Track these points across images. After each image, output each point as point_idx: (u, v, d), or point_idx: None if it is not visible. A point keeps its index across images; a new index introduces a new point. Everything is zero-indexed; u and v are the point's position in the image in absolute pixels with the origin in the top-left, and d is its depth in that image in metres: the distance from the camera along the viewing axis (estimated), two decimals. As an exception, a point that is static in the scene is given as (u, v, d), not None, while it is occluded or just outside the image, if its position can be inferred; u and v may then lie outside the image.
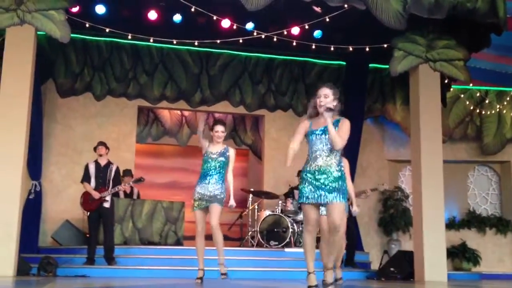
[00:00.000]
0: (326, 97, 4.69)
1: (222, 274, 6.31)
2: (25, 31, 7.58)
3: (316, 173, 4.64)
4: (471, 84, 10.38)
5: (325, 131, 4.67)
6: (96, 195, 8.04)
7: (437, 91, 8.61)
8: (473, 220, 11.65)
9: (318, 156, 4.67)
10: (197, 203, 6.34)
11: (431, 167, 8.33)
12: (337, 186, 4.62)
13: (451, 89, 10.42)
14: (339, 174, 4.66)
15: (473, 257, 11.10)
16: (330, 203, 4.59)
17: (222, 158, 6.35)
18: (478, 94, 11.55)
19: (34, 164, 9.51)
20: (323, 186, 4.60)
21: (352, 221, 8.88)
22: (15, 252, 7.14)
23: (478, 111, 11.55)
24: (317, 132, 4.71)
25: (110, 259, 8.02)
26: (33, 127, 8.12)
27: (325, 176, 4.62)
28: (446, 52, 8.66)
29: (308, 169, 4.70)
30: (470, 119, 11.60)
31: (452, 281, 8.14)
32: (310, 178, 4.66)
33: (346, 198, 4.72)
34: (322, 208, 5.23)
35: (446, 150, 9.27)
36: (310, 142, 4.74)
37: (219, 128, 6.37)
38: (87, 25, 8.40)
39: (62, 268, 7.69)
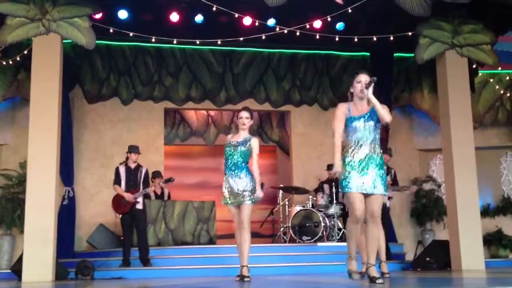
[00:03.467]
0: (367, 81, 4.72)
1: (246, 276, 5.91)
2: (51, 40, 7.70)
3: (362, 162, 4.60)
4: (499, 68, 10.19)
5: (368, 117, 4.66)
6: (129, 196, 8.11)
7: (465, 76, 8.47)
8: (508, 206, 11.43)
9: (362, 143, 4.64)
10: (228, 200, 6.05)
11: (463, 154, 8.21)
12: (381, 174, 4.63)
13: (479, 74, 10.24)
14: (382, 161, 4.69)
15: (510, 244, 10.92)
16: (373, 193, 4.61)
17: (242, 148, 6.01)
18: (507, 78, 11.31)
19: (66, 170, 9.68)
20: (369, 175, 4.58)
21: (385, 212, 8.78)
22: (53, 257, 7.27)
23: (508, 95, 11.32)
24: (362, 119, 4.66)
25: (145, 260, 8.10)
26: (63, 134, 8.24)
27: (371, 164, 4.60)
28: (472, 37, 8.52)
29: (352, 157, 4.64)
30: (500, 104, 11.37)
31: (490, 269, 8.00)
32: (355, 167, 4.60)
33: (386, 187, 4.73)
34: None
35: (476, 136, 9.09)
36: (352, 129, 4.68)
37: (243, 114, 6.06)
38: (111, 31, 8.49)
39: (98, 271, 7.80)
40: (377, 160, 4.66)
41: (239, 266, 6.06)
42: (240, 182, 6.00)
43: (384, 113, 4.63)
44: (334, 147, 4.67)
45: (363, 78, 4.71)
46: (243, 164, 6.05)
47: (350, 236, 4.76)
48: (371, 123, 4.66)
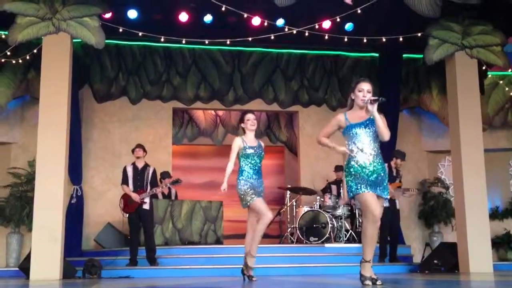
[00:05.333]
0: (369, 92, 4.71)
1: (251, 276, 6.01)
2: (61, 39, 7.74)
3: (365, 167, 4.62)
4: (509, 70, 10.11)
5: (368, 124, 4.68)
6: (136, 197, 8.14)
7: (474, 78, 8.43)
8: (517, 209, 11.35)
9: (364, 148, 4.66)
10: (253, 191, 5.95)
11: (472, 156, 8.17)
12: (382, 178, 4.66)
13: (489, 76, 10.18)
14: (383, 165, 4.71)
15: (519, 247, 10.83)
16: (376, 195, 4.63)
17: (262, 153, 6.16)
18: (517, 80, 11.22)
19: (75, 169, 9.71)
20: (372, 179, 4.61)
21: (395, 215, 8.77)
22: (61, 256, 7.30)
23: (518, 97, 11.23)
24: (362, 125, 4.68)
25: (152, 260, 8.12)
26: (72, 132, 8.28)
27: (372, 169, 4.62)
28: (482, 38, 8.47)
29: (356, 163, 4.65)
30: (510, 106, 11.26)
31: (498, 272, 7.95)
32: (358, 171, 4.62)
33: (388, 191, 4.75)
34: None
35: (486, 138, 9.05)
36: (353, 136, 4.70)
37: (251, 116, 6.14)
38: (120, 30, 8.51)
39: (106, 270, 7.83)
40: (379, 164, 4.67)
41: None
42: (259, 182, 6.07)
43: (384, 131, 4.63)
44: (322, 143, 4.85)
45: (366, 87, 4.71)
46: (259, 167, 6.14)
47: (366, 239, 4.64)
48: (372, 129, 4.68)
